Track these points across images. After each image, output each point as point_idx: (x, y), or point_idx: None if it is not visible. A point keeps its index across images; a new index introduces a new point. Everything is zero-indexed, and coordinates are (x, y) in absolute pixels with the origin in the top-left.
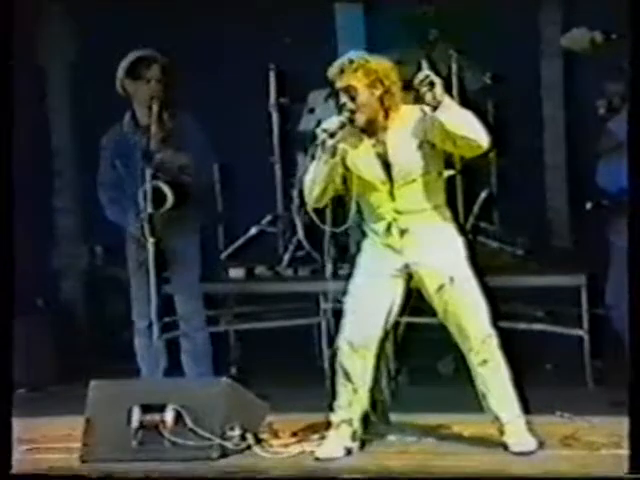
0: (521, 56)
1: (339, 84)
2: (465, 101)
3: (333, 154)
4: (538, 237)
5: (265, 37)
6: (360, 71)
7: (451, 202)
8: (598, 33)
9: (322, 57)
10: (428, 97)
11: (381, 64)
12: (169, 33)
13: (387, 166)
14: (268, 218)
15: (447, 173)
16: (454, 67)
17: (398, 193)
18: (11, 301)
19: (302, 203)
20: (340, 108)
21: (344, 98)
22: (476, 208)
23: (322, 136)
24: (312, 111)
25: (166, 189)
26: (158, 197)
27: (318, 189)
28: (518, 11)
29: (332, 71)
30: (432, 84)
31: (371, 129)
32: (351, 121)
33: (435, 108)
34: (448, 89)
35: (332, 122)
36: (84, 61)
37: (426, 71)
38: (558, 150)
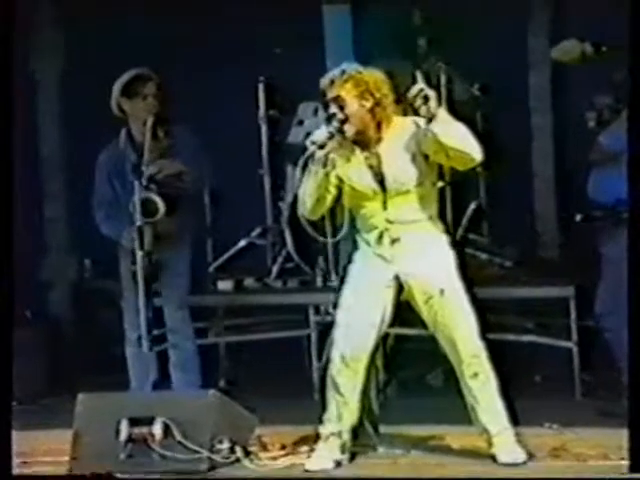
0: (509, 67)
1: (329, 95)
2: (454, 112)
3: (324, 165)
4: (527, 248)
5: (254, 49)
6: (350, 82)
7: (440, 213)
8: (588, 45)
9: (310, 69)
10: (423, 110)
11: (372, 76)
12: (158, 46)
13: (380, 177)
14: (257, 230)
15: (439, 184)
16: (443, 78)
17: (391, 203)
18: (11, 312)
19: (292, 215)
20: (329, 118)
21: (333, 108)
22: (465, 219)
23: (311, 148)
24: (301, 123)
25: (157, 199)
26: (149, 208)
27: (311, 201)
28: (506, 22)
29: (324, 82)
30: (426, 97)
31: (363, 141)
32: (341, 132)
33: (429, 121)
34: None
35: (321, 133)
36: (75, 70)
37: (421, 84)
38: (546, 161)
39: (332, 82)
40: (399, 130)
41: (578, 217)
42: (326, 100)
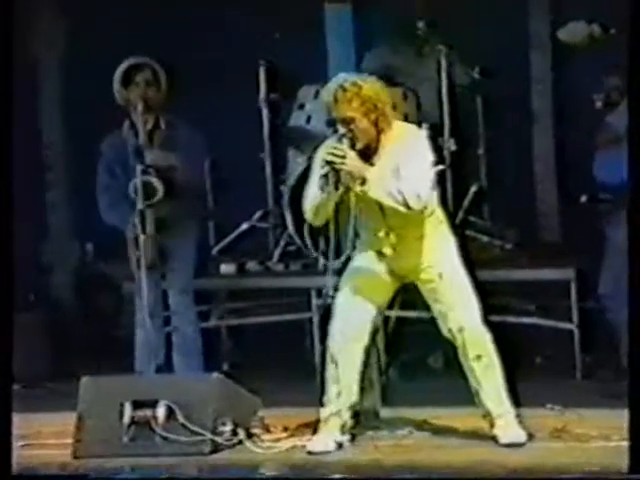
0: (510, 50)
1: (336, 114)
2: (454, 95)
3: (336, 186)
4: (527, 231)
5: (255, 33)
6: (355, 101)
7: (441, 196)
8: (596, 27)
9: (311, 53)
10: (355, 185)
11: (373, 87)
12: (159, 31)
13: None
14: (259, 214)
15: (437, 168)
16: (443, 62)
17: (390, 211)
18: (11, 297)
19: (293, 198)
20: (340, 138)
21: (343, 129)
22: (466, 202)
23: (326, 169)
24: (302, 107)
25: (156, 182)
26: (149, 191)
27: (319, 215)
28: (506, 5)
29: (326, 96)
30: (337, 171)
31: (368, 151)
32: (352, 146)
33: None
34: (438, 84)
35: (337, 153)
36: (77, 57)
37: (322, 170)
38: (547, 144)
39: (336, 100)
40: (399, 135)
41: (583, 198)
42: (332, 119)
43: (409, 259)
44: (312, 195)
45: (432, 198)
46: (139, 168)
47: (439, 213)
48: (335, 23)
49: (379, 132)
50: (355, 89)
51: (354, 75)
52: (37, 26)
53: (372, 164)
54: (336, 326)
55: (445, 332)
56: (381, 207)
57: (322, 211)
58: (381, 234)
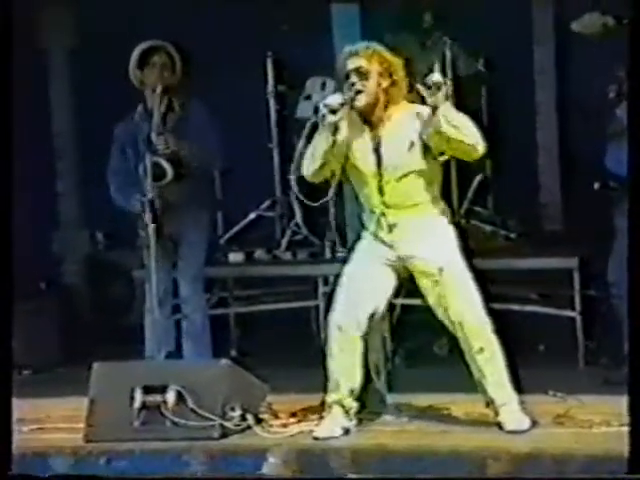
0: (514, 42)
1: (351, 64)
2: (458, 87)
3: (334, 131)
4: (531, 220)
5: (263, 25)
6: (375, 57)
7: (446, 186)
8: (610, 18)
9: (318, 45)
10: (431, 99)
11: (394, 58)
12: (169, 21)
13: (378, 160)
14: (266, 203)
15: (442, 158)
16: (448, 54)
17: (387, 188)
18: (11, 284)
19: (299, 189)
20: (348, 86)
21: (354, 77)
22: (470, 192)
23: (323, 111)
24: (309, 98)
25: (165, 164)
26: (158, 172)
27: (316, 164)
28: None
29: (346, 51)
30: (439, 87)
31: (369, 118)
32: (353, 100)
33: (434, 110)
34: (442, 75)
35: (335, 99)
36: (86, 46)
37: (437, 75)
38: (551, 135)
39: (356, 52)
40: (403, 115)
41: (596, 185)
42: (347, 69)
43: (408, 248)
44: (311, 146)
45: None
46: (149, 149)
47: (440, 203)
48: (342, 16)
49: (386, 104)
50: (379, 51)
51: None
52: (47, 11)
53: (377, 134)
54: (335, 317)
55: (447, 324)
56: (380, 185)
57: (320, 162)
58: (378, 212)
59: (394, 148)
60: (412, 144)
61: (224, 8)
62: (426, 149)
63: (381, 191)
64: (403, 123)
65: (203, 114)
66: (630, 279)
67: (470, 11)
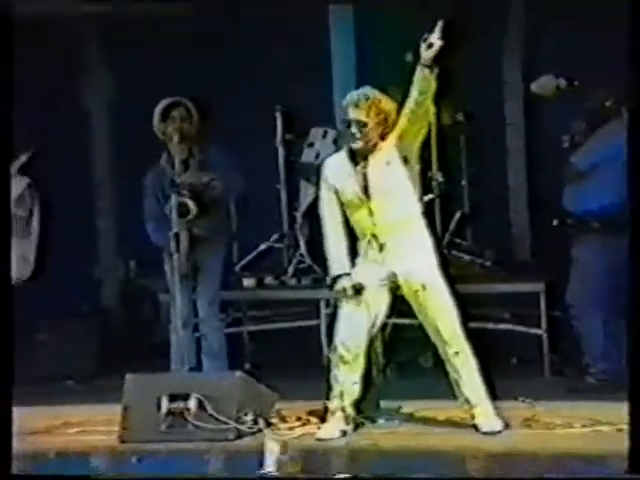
0: (488, 98)
1: (352, 115)
2: (441, 134)
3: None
4: (504, 251)
5: (272, 82)
6: (373, 109)
7: (430, 222)
8: (562, 80)
9: (320, 99)
10: (425, 55)
11: (389, 104)
12: (194, 79)
13: (365, 184)
14: (275, 236)
15: (427, 197)
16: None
17: (376, 207)
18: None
19: (304, 223)
20: (348, 135)
21: (355, 129)
22: (452, 226)
23: (350, 292)
24: (312, 145)
25: (189, 202)
26: (183, 210)
27: None
28: (484, 59)
29: (348, 100)
30: (431, 46)
31: (363, 154)
32: (352, 145)
33: (428, 67)
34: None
35: (359, 278)
36: (122, 104)
37: (435, 36)
38: (520, 177)
39: (356, 105)
40: (388, 142)
41: (555, 222)
42: (348, 118)
43: (396, 263)
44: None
45: None
46: (174, 193)
47: (421, 220)
48: (339, 59)
49: (382, 139)
50: (376, 101)
51: (376, 90)
52: (88, 76)
53: (365, 165)
54: (339, 339)
55: (428, 330)
56: (369, 206)
57: None
58: (369, 233)
59: (378, 170)
60: (394, 161)
61: (240, 67)
62: (405, 161)
63: (371, 213)
64: (384, 149)
65: (220, 154)
66: (631, 286)
67: (450, 72)
